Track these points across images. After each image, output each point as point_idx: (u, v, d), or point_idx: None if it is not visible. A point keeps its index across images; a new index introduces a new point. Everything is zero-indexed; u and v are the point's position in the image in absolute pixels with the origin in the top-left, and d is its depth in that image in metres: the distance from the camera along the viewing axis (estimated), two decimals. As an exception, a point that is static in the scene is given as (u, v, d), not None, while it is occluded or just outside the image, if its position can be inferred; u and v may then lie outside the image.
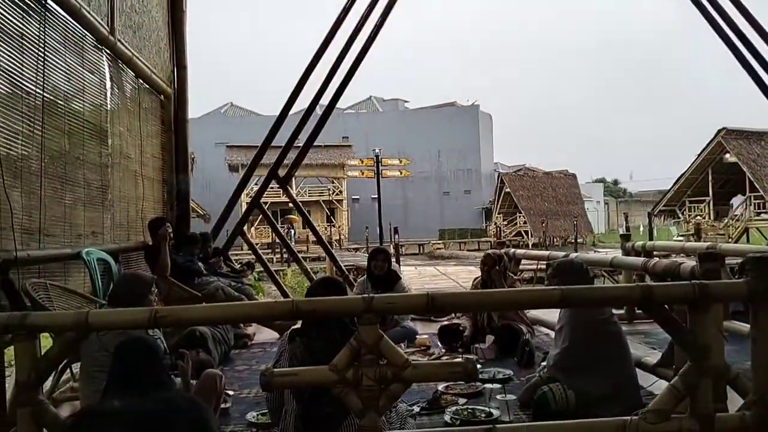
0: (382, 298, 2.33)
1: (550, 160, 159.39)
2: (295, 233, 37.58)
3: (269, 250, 30.65)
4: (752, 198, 25.42)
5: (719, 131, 25.75)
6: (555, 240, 39.38)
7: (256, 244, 21.48)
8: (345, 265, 8.84)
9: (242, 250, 24.93)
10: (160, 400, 0.84)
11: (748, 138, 26.04)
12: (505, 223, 39.83)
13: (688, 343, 2.39)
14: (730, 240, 24.09)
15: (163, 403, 0.84)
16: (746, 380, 2.47)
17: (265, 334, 5.87)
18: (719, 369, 2.40)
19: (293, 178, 43.35)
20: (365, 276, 5.61)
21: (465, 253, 33.23)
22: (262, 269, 7.89)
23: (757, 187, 24.40)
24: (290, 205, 8.79)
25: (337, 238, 36.99)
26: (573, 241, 33.45)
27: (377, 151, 18.98)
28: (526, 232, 38.36)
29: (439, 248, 37.45)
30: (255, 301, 5.48)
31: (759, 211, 25.34)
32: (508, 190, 39.66)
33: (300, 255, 8.68)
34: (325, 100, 7.20)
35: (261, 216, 8.81)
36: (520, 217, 39.18)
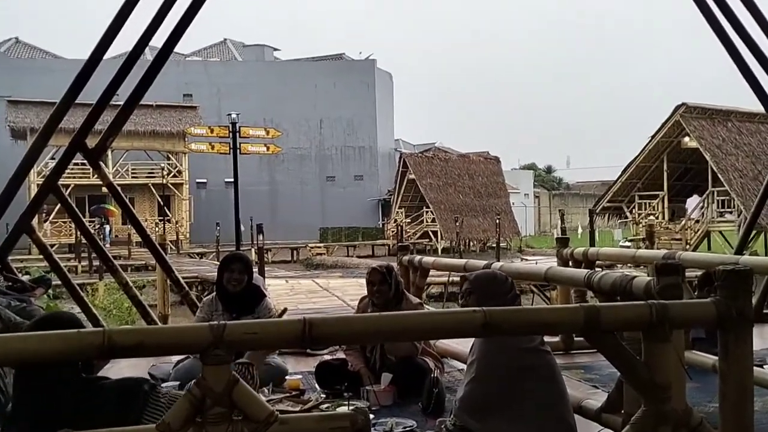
0: (237, 326, 2.26)
1: (467, 140, 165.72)
2: (111, 230, 36.05)
3: (72, 255, 29.28)
4: (715, 194, 27.83)
5: (677, 107, 27.86)
6: (472, 244, 40.86)
7: (52, 245, 20.34)
8: (185, 278, 8.54)
9: (30, 254, 23.53)
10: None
11: (712, 117, 28.43)
12: (408, 220, 40.73)
13: (642, 380, 2.52)
14: (688, 246, 26.20)
15: None
16: (711, 428, 2.65)
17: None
18: (681, 415, 2.55)
19: (109, 152, 41.73)
20: (213, 294, 5.45)
21: (355, 260, 33.57)
22: (60, 282, 7.43)
23: (722, 179, 26.69)
24: (104, 189, 8.35)
25: (175, 238, 35.94)
26: (495, 245, 34.88)
27: (234, 116, 18.56)
28: (436, 233, 39.45)
29: (320, 254, 37.56)
30: (40, 333, 5.12)
31: (722, 210, 27.79)
32: (412, 176, 40.55)
33: (118, 262, 8.29)
34: (158, 40, 6.89)
35: (59, 205, 8.31)
36: (427, 212, 40.21)
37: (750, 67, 7.57)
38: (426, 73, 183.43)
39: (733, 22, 7.38)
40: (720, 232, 28.38)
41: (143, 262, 26.42)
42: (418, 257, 6.93)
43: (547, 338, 4.13)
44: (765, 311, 8.36)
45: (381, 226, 46.22)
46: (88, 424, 2.63)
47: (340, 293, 15.34)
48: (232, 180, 18.65)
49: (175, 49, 7.23)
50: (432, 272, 7.08)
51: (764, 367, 5.15)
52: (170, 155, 40.30)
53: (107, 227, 35.74)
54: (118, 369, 5.08)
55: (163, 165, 38.95)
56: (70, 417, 2.69)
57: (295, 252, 38.88)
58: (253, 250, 23.59)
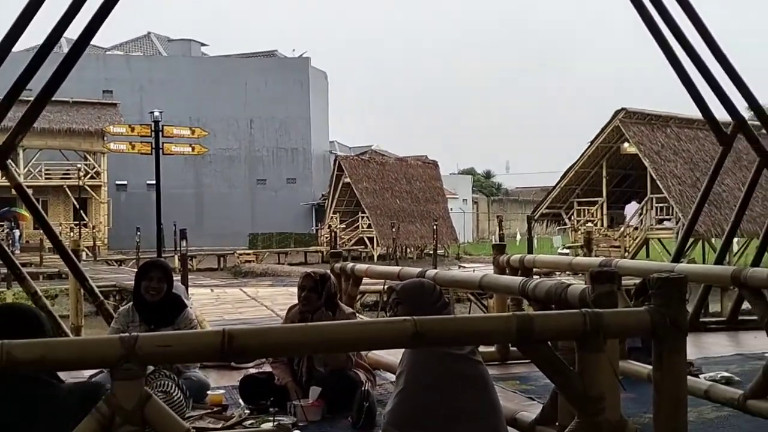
0: (151, 338, 2.20)
1: (405, 143, 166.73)
2: (21, 235, 34.95)
3: (-22, 262, 28.23)
4: (654, 201, 28.68)
5: (617, 113, 28.59)
6: (409, 250, 41.09)
7: (-44, 251, 19.57)
8: (102, 286, 8.33)
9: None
10: None
11: (651, 123, 29.30)
12: (343, 226, 40.71)
13: (575, 392, 2.56)
14: (626, 254, 26.92)
15: None
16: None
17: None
18: (614, 426, 2.60)
19: (20, 151, 40.37)
20: (130, 303, 5.34)
21: (286, 268, 33.34)
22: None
23: (660, 186, 27.51)
24: (13, 192, 8.08)
25: (91, 243, 35.05)
26: (432, 252, 35.16)
27: (157, 114, 18.24)
28: (372, 240, 39.54)
29: (249, 261, 37.17)
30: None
31: (661, 217, 28.66)
32: (348, 180, 40.56)
33: (28, 270, 8.03)
34: (74, 30, 6.70)
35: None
36: (363, 218, 40.27)
37: (689, 74, 7.83)
38: (363, 74, 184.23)
39: (672, 29, 7.61)
40: (659, 239, 29.23)
41: (56, 270, 25.67)
42: (350, 264, 6.92)
43: (483, 348, 4.18)
44: (702, 320, 8.65)
45: (314, 231, 46.06)
46: (49, 426, 2.59)
47: (269, 303, 15.19)
48: (155, 182, 18.30)
49: (95, 42, 7.07)
50: (367, 280, 7.08)
51: (699, 376, 5.32)
52: (88, 155, 39.36)
53: (17, 232, 34.66)
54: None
55: (79, 165, 38.01)
56: (32, 419, 2.62)
57: (222, 259, 38.37)
58: (176, 256, 23.19)
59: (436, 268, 17.79)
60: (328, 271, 5.65)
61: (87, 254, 31.75)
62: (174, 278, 5.53)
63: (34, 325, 2.74)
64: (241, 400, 5.01)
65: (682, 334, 2.60)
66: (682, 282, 2.61)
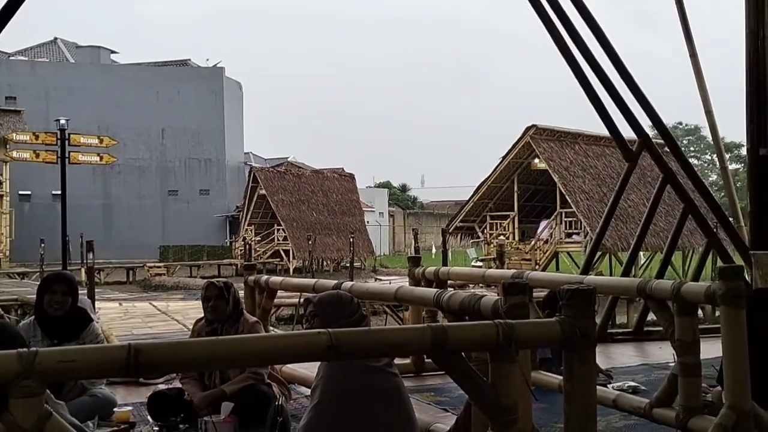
0: (51, 353, 2.11)
1: (321, 155, 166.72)
2: None
3: None
4: (563, 215, 29.53)
5: (528, 129, 29.37)
6: (325, 263, 40.97)
7: None
8: (2, 300, 7.97)
9: None
10: None
11: (561, 140, 30.21)
12: (258, 238, 40.27)
13: (488, 402, 2.59)
14: (537, 267, 27.59)
15: None
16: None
17: None
18: (525, 436, 2.64)
19: None
20: (32, 318, 5.13)
21: (198, 281, 32.68)
22: None
23: (569, 201, 28.35)
24: None
25: (-7, 255, 33.59)
26: (349, 265, 35.17)
27: (63, 122, 17.63)
28: (287, 252, 39.25)
29: (160, 274, 36.35)
30: None
31: (570, 231, 29.52)
32: (263, 191, 40.21)
33: None
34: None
35: None
36: (279, 230, 39.96)
37: (597, 93, 8.10)
38: (278, 85, 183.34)
39: (582, 50, 7.87)
40: (568, 252, 30.07)
41: (-45, 283, 24.49)
42: (264, 277, 6.85)
43: (398, 360, 4.18)
44: (609, 331, 8.92)
45: (228, 244, 45.37)
46: None
47: (180, 317, 14.86)
48: (60, 192, 17.68)
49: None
50: (283, 293, 7.02)
51: (608, 386, 5.47)
52: (-10, 163, 37.74)
53: None
54: None
55: (-20, 174, 36.40)
56: None
57: (131, 272, 37.39)
58: (82, 269, 22.46)
59: (352, 280, 17.77)
60: (230, 280, 5.56)
61: (-13, 267, 30.42)
62: (80, 292, 5.35)
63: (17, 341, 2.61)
64: (149, 417, 4.90)
65: (592, 345, 2.66)
66: (591, 293, 2.67)
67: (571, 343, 2.60)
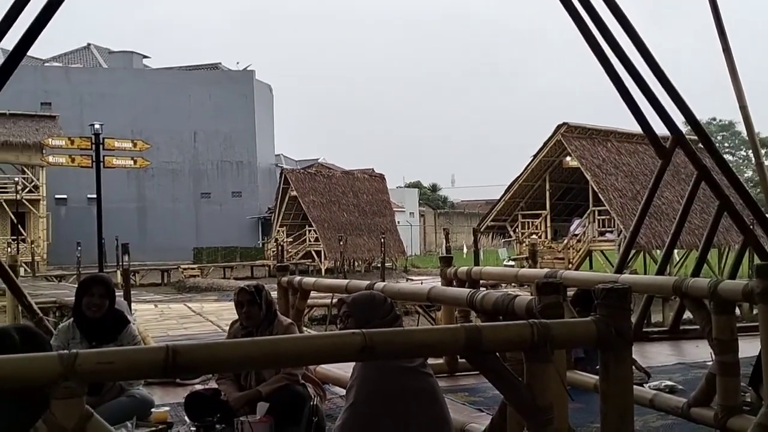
0: (91, 354, 2.13)
1: (351, 156, 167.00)
2: (-44, 251, 33.90)
3: None
4: (596, 213, 29.26)
5: (559, 127, 29.18)
6: (356, 264, 41.03)
7: None
8: (41, 302, 8.10)
9: None
10: None
11: (592, 137, 29.95)
12: (290, 239, 40.46)
13: (524, 402, 2.57)
14: (570, 266, 27.35)
15: None
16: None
17: None
18: (562, 436, 2.62)
19: (-45, 164, 38.73)
20: (71, 320, 5.19)
21: (232, 282, 32.96)
22: None
23: (602, 199, 28.10)
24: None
25: (30, 259, 34.15)
26: (380, 265, 35.18)
27: (97, 126, 17.89)
28: (319, 253, 39.38)
29: (194, 275, 36.70)
30: None
31: (603, 229, 29.23)
32: (294, 193, 40.39)
33: (-39, 287, 7.77)
34: (9, 41, 6.54)
35: None
36: (310, 231, 40.10)
37: (629, 90, 8.01)
38: (307, 87, 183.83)
39: (613, 46, 7.79)
40: (601, 251, 29.80)
41: (-7, 287, 24.94)
42: (297, 278, 6.87)
43: (431, 360, 4.18)
44: (645, 329, 8.82)
45: (261, 245, 45.69)
46: None
47: (214, 318, 14.99)
48: (96, 196, 17.93)
49: (32, 53, 6.90)
50: (314, 294, 7.04)
51: (644, 385, 5.41)
52: (25, 168, 38.43)
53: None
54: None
55: (17, 179, 37.03)
56: None
57: (166, 274, 37.81)
58: (118, 272, 22.73)
59: (384, 280, 17.78)
60: (262, 282, 5.59)
61: (25, 270, 30.96)
62: (116, 294, 5.41)
63: (8, 345, 2.66)
64: (186, 418, 4.94)
65: (628, 344, 2.64)
66: (626, 292, 2.65)
67: (607, 342, 2.58)
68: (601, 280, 4.37)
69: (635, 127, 8.97)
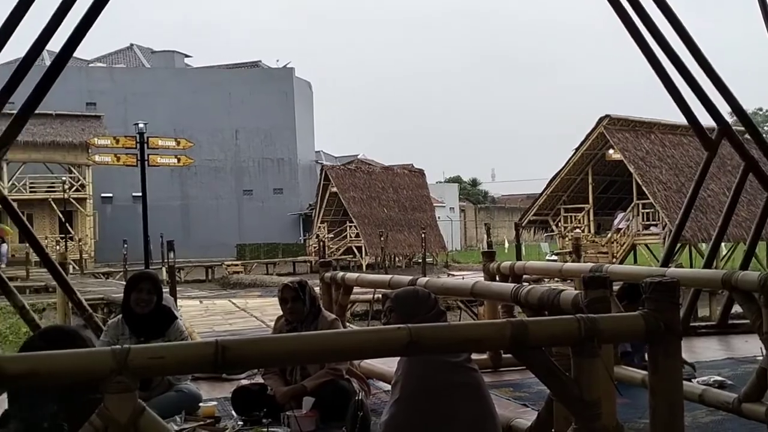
0: (143, 350, 2.18)
1: (391, 152, 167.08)
2: (7, 250, 34.67)
3: (-37, 277, 28.10)
4: (640, 206, 28.85)
5: (601, 119, 28.80)
6: (397, 259, 41.06)
7: (-60, 267, 19.25)
8: (90, 299, 8.27)
9: None
10: None
11: (636, 129, 29.50)
12: (331, 235, 40.65)
13: (572, 398, 2.56)
14: (614, 260, 27.03)
15: None
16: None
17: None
18: (612, 431, 2.60)
19: (4, 164, 40.04)
20: (119, 316, 5.29)
21: (274, 278, 33.27)
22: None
23: (646, 192, 27.69)
24: (-1, 205, 8.01)
25: (78, 257, 34.83)
26: (421, 260, 35.17)
27: (141, 125, 18.16)
28: (360, 249, 39.50)
29: (237, 272, 37.08)
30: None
31: (647, 223, 28.82)
32: (334, 189, 40.56)
33: (15, 284, 7.96)
34: (56, 43, 6.67)
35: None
36: (351, 227, 40.24)
37: (673, 81, 7.88)
38: (347, 83, 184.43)
39: (656, 36, 7.67)
40: (645, 245, 29.39)
41: (43, 284, 25.46)
42: (340, 273, 6.89)
43: (474, 355, 4.17)
44: (692, 324, 8.68)
45: (302, 241, 45.98)
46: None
47: (258, 313, 15.13)
48: (140, 194, 18.21)
49: (77, 55, 7.03)
50: (356, 290, 7.06)
51: (692, 380, 5.33)
52: (72, 168, 39.18)
53: (4, 246, 34.39)
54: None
55: (64, 178, 37.79)
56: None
57: (210, 270, 38.25)
58: (163, 268, 23.07)
59: (425, 276, 17.79)
60: (305, 278, 5.62)
61: (74, 267, 31.57)
62: (162, 290, 5.49)
63: (79, 345, 2.71)
64: (233, 412, 4.98)
65: (677, 338, 2.61)
66: (675, 286, 2.61)
67: (656, 336, 2.55)
68: (648, 274, 4.31)
69: (679, 119, 8.83)
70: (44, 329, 2.98)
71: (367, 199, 40.93)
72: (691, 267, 23.35)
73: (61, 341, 2.65)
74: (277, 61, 54.94)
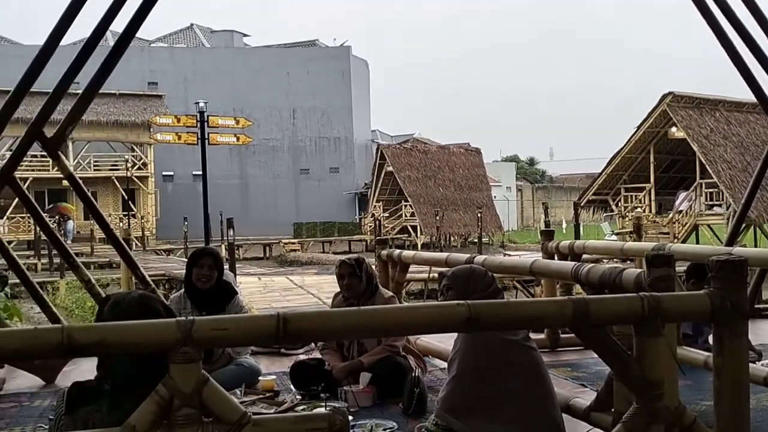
0: (207, 321, 2.22)
1: (447, 131, 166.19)
2: (73, 227, 35.69)
3: (31, 252, 29.01)
4: (703, 186, 28.16)
5: (664, 96, 28.10)
6: (453, 239, 40.97)
7: (10, 242, 19.98)
8: (152, 275, 8.46)
9: (-14, 251, 23.21)
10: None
11: (700, 107, 28.74)
12: (387, 215, 40.74)
13: (633, 377, 2.52)
14: (676, 240, 26.47)
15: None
16: (705, 427, 2.66)
17: (21, 381, 5.60)
18: (673, 413, 2.55)
19: (70, 143, 41.26)
20: (182, 291, 5.40)
21: (331, 256, 33.53)
22: (18, 281, 7.32)
23: (710, 171, 27.00)
24: (65, 183, 8.25)
25: (140, 233, 35.66)
26: (476, 240, 35.02)
27: (202, 104, 18.42)
28: (415, 228, 39.51)
29: (294, 250, 37.51)
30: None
31: (711, 203, 28.12)
32: (390, 168, 40.57)
33: (80, 260, 8.18)
34: (119, 24, 6.78)
35: (17, 199, 8.16)
36: (406, 206, 40.25)
37: (740, 55, 7.63)
38: (403, 62, 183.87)
39: (722, 6, 7.43)
40: (708, 225, 28.71)
41: (107, 260, 26.21)
42: (397, 251, 6.89)
43: (532, 335, 4.14)
44: (756, 306, 8.46)
45: (358, 220, 46.20)
46: None
47: (315, 291, 15.35)
48: (201, 172, 18.52)
49: (139, 35, 7.15)
50: (412, 268, 7.06)
51: (757, 363, 5.20)
52: (134, 146, 40.02)
53: (71, 223, 35.40)
54: (80, 372, 5.02)
55: (127, 157, 38.63)
56: None
57: (267, 248, 38.77)
58: (223, 246, 23.46)
59: (481, 254, 17.74)
60: (362, 255, 5.64)
61: (136, 244, 32.34)
62: (223, 266, 5.59)
63: (162, 313, 2.74)
64: (292, 386, 5.05)
65: (744, 318, 2.54)
66: (742, 264, 2.54)
67: (722, 316, 2.49)
68: (713, 253, 4.20)
69: (746, 96, 8.56)
70: (122, 297, 2.98)
71: (422, 179, 40.85)
72: (756, 247, 22.74)
73: (140, 311, 2.68)
74: (334, 39, 55.07)
